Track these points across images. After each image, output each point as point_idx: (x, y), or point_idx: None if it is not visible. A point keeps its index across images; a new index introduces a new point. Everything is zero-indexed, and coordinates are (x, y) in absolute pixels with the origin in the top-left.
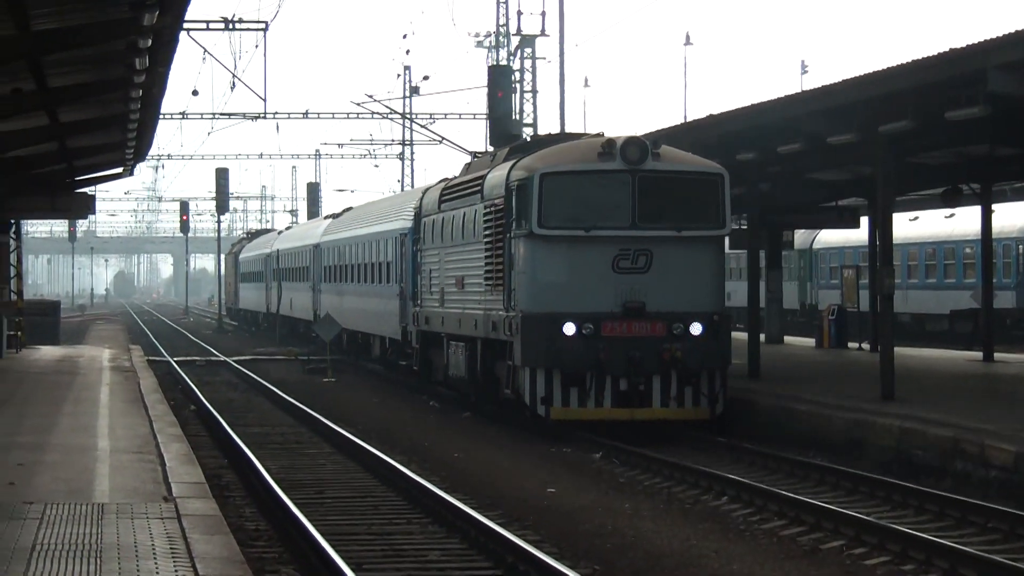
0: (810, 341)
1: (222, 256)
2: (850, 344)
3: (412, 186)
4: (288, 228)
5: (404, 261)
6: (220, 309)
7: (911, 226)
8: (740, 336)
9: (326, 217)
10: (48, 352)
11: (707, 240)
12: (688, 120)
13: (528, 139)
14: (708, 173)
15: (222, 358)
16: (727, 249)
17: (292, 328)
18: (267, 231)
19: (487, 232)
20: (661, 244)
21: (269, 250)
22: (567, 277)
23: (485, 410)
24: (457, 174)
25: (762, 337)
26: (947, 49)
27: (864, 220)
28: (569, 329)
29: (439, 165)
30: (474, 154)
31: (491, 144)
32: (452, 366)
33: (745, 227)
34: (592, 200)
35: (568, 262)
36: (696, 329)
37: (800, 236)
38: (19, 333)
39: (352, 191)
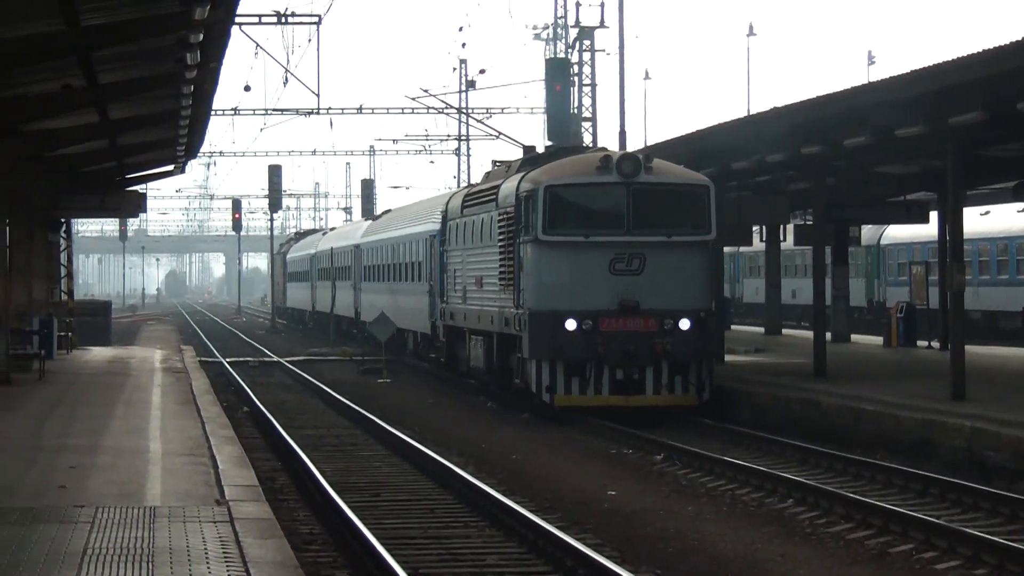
0: (878, 339)
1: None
2: (919, 342)
3: (468, 182)
4: (332, 229)
5: (433, 261)
6: (273, 309)
7: (982, 221)
8: (805, 335)
9: (367, 219)
10: (99, 353)
11: (695, 245)
12: (751, 114)
13: (538, 153)
14: (696, 184)
15: (275, 359)
16: (792, 246)
17: (336, 325)
18: (313, 231)
19: (501, 236)
20: (653, 248)
21: (314, 251)
22: (569, 278)
23: (505, 399)
24: (479, 181)
25: (828, 336)
26: (1020, 38)
27: (933, 215)
28: (571, 325)
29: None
30: (494, 162)
31: (549, 138)
32: (473, 358)
33: (810, 222)
34: (591, 209)
35: (570, 264)
36: (685, 325)
37: (867, 232)
38: (70, 334)
39: (407, 187)
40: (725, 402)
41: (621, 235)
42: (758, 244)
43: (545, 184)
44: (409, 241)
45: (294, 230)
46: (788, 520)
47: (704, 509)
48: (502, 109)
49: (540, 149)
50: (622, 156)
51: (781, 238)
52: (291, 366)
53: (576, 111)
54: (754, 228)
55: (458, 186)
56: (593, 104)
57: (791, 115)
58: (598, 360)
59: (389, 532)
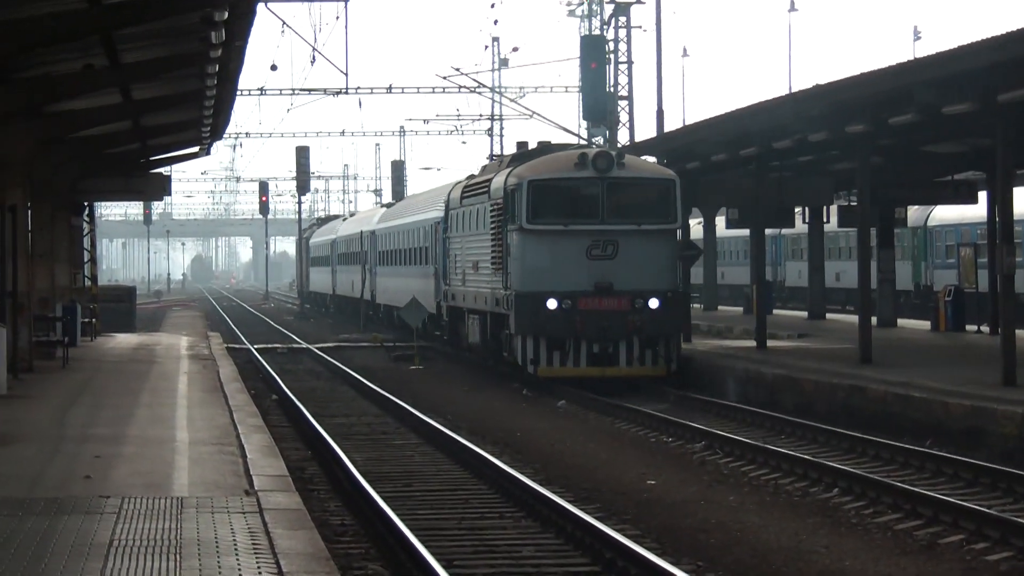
0: (925, 324)
1: (299, 239)
2: (968, 327)
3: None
4: (352, 215)
5: (438, 247)
6: (301, 294)
7: None
8: (850, 319)
9: (381, 206)
10: (124, 340)
11: (662, 233)
12: (793, 92)
13: (527, 150)
14: (663, 179)
15: (304, 345)
16: (836, 227)
17: (354, 308)
18: (334, 217)
19: (492, 225)
20: (625, 236)
21: (334, 236)
22: (550, 262)
23: (497, 370)
24: (477, 172)
25: (873, 320)
26: None
27: (982, 195)
28: (552, 304)
29: (530, 140)
30: (490, 156)
31: (584, 118)
32: (470, 335)
33: (854, 203)
34: (570, 201)
35: (551, 251)
36: (654, 303)
37: (913, 213)
38: (94, 320)
39: (439, 169)
40: (768, 389)
41: (596, 224)
42: (800, 226)
43: (528, 179)
44: (417, 228)
45: (322, 213)
46: (833, 510)
47: (747, 499)
48: (536, 88)
49: (578, 130)
50: (597, 153)
51: (824, 219)
52: (320, 352)
53: (612, 89)
54: (796, 209)
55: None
56: (629, 82)
57: (834, 93)
58: (576, 336)
59: (422, 523)
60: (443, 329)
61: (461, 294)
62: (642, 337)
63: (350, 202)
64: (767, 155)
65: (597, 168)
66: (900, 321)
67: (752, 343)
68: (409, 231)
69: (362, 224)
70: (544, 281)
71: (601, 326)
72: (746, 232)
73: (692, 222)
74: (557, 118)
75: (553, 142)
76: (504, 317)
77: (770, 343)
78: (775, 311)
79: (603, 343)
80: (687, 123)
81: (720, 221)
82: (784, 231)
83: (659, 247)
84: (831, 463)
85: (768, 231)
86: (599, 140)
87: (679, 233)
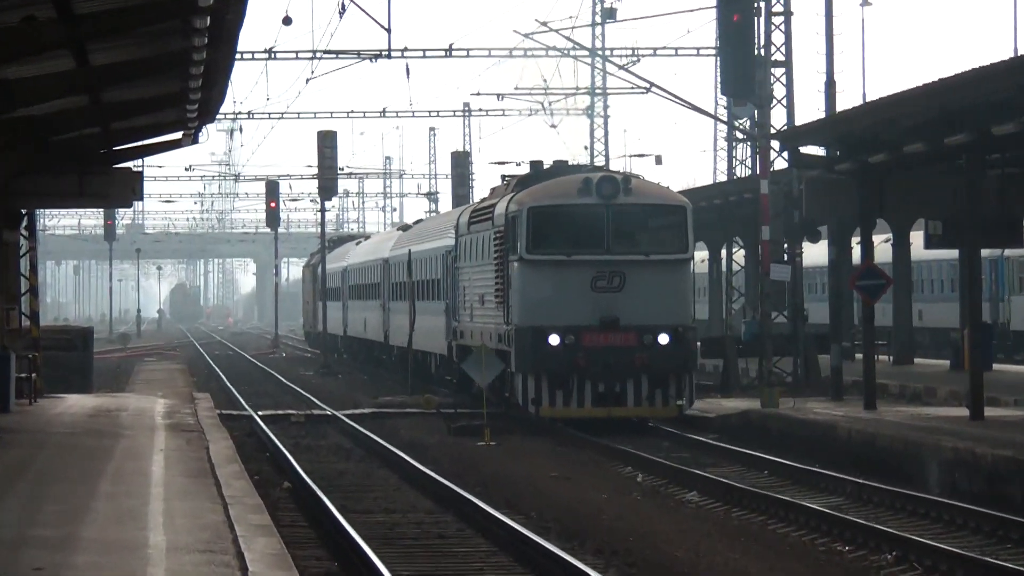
0: None
1: (323, 263)
2: None
3: (606, 154)
4: (366, 238)
5: (449, 277)
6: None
7: None
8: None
9: (397, 228)
10: (76, 403)
11: (673, 263)
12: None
13: (538, 170)
14: (673, 205)
15: (329, 411)
16: None
17: (368, 352)
18: (348, 238)
19: (496, 255)
20: (632, 267)
21: (346, 264)
22: (552, 295)
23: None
24: (487, 196)
25: None
26: None
27: None
28: (554, 340)
29: (646, 123)
30: (503, 177)
31: (723, 91)
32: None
33: None
34: (573, 229)
35: (553, 282)
36: (663, 339)
37: None
38: (34, 376)
39: (518, 164)
40: (985, 478)
41: (602, 254)
42: None
43: (529, 206)
44: (429, 257)
45: (354, 226)
46: None
47: None
48: (654, 50)
49: (714, 108)
50: (602, 178)
51: None
52: (351, 422)
53: (762, 52)
54: None
55: (591, 158)
56: (787, 43)
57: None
58: (580, 373)
59: None
60: (454, 373)
61: (469, 331)
62: (651, 375)
63: (393, 210)
64: (983, 145)
65: (602, 194)
66: None
67: (963, 412)
68: (421, 260)
69: (377, 250)
70: (546, 315)
71: (606, 363)
72: (954, 254)
73: (877, 239)
74: (684, 92)
75: (571, 162)
76: (506, 354)
77: (989, 412)
78: (995, 366)
79: (609, 381)
80: (868, 100)
81: (916, 238)
82: (1008, 252)
83: (669, 279)
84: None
85: (985, 252)
86: (743, 122)
87: (692, 264)
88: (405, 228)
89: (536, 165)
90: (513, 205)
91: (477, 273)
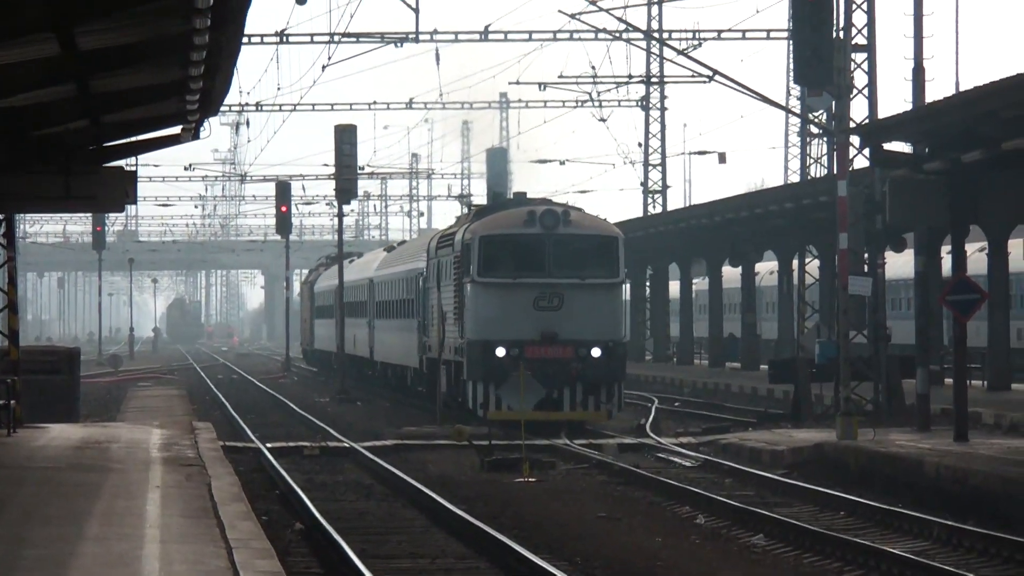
0: None
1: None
2: None
3: (662, 150)
4: (359, 256)
5: (420, 297)
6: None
7: None
8: None
9: (384, 249)
10: (61, 434)
11: (606, 286)
12: None
13: (488, 204)
14: (606, 236)
15: (346, 443)
16: None
17: (359, 369)
18: (348, 255)
19: (455, 277)
20: (570, 289)
21: (337, 281)
22: (499, 312)
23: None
24: (452, 224)
25: None
26: None
27: None
28: (500, 352)
29: (708, 116)
30: (468, 206)
31: (795, 80)
32: (444, 385)
33: None
34: (518, 255)
35: (500, 301)
36: (596, 352)
37: None
38: (13, 403)
39: (562, 163)
40: None
41: (543, 277)
42: None
43: (480, 234)
44: (405, 278)
45: (376, 232)
46: None
47: None
48: (718, 33)
49: (785, 99)
50: (544, 211)
51: None
52: (372, 455)
53: (841, 35)
54: None
55: (645, 156)
56: (870, 23)
57: None
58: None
59: None
60: (424, 384)
61: (435, 345)
62: (585, 383)
63: (420, 214)
64: None
65: (544, 225)
66: None
67: None
68: (399, 281)
69: (364, 270)
70: (494, 330)
71: (546, 373)
72: None
73: (971, 248)
74: (751, 81)
75: (529, 195)
76: (460, 364)
77: None
78: None
79: (548, 388)
80: (962, 90)
81: (1015, 247)
82: None
83: (602, 300)
84: None
85: None
86: (819, 115)
87: (623, 287)
88: (390, 249)
89: (498, 196)
90: (468, 233)
91: (444, 293)
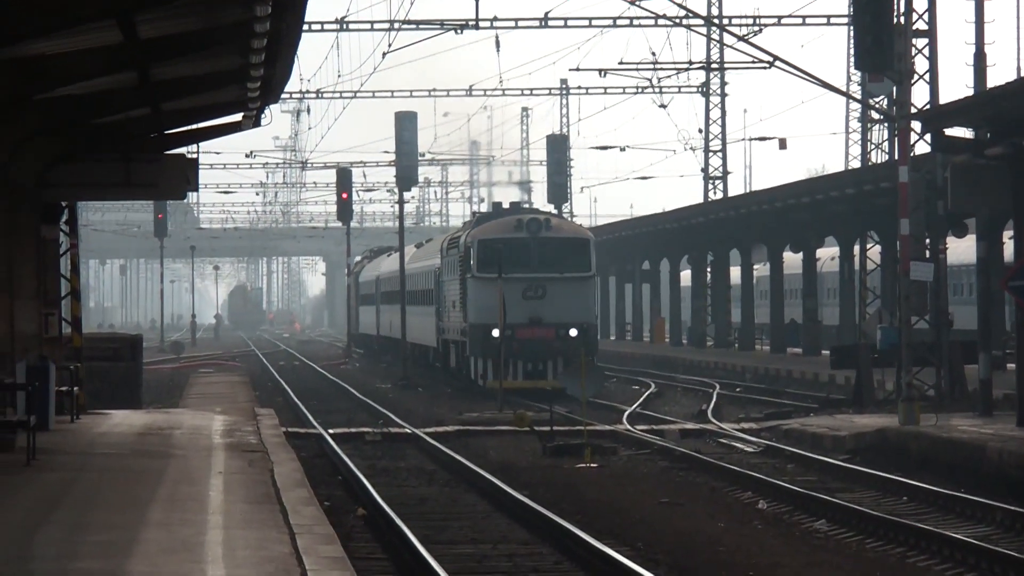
0: None
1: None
2: None
3: (723, 136)
4: (395, 250)
5: (436, 288)
6: (403, 349)
7: None
8: None
9: (415, 245)
10: (124, 420)
11: (580, 279)
12: None
13: (489, 212)
14: (580, 239)
15: (408, 430)
16: None
17: (393, 348)
18: (385, 250)
19: (460, 272)
20: (551, 282)
21: (378, 273)
22: (494, 302)
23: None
24: (460, 227)
25: None
26: None
27: None
28: (495, 333)
29: (768, 102)
30: (474, 213)
31: (856, 66)
32: (452, 360)
33: None
34: (509, 255)
35: (495, 292)
36: (573, 332)
37: None
38: (76, 390)
39: (622, 149)
40: None
41: (530, 273)
42: None
43: (478, 238)
44: (425, 272)
45: (437, 219)
46: None
47: None
48: (779, 19)
49: (845, 84)
50: (530, 219)
51: None
52: (433, 441)
53: (901, 20)
54: None
55: (705, 144)
56: (931, 8)
57: None
58: (515, 356)
59: None
60: (441, 360)
61: (446, 328)
62: (564, 358)
63: (480, 200)
64: None
65: (529, 230)
66: None
67: None
68: (422, 274)
69: (396, 263)
70: (490, 316)
71: (533, 349)
72: None
73: None
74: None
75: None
76: (464, 344)
77: None
78: None
79: (535, 362)
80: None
81: None
82: None
83: (577, 290)
84: None
85: None
86: (880, 101)
87: (595, 280)
88: (419, 246)
89: (496, 206)
90: (469, 237)
91: (452, 285)
